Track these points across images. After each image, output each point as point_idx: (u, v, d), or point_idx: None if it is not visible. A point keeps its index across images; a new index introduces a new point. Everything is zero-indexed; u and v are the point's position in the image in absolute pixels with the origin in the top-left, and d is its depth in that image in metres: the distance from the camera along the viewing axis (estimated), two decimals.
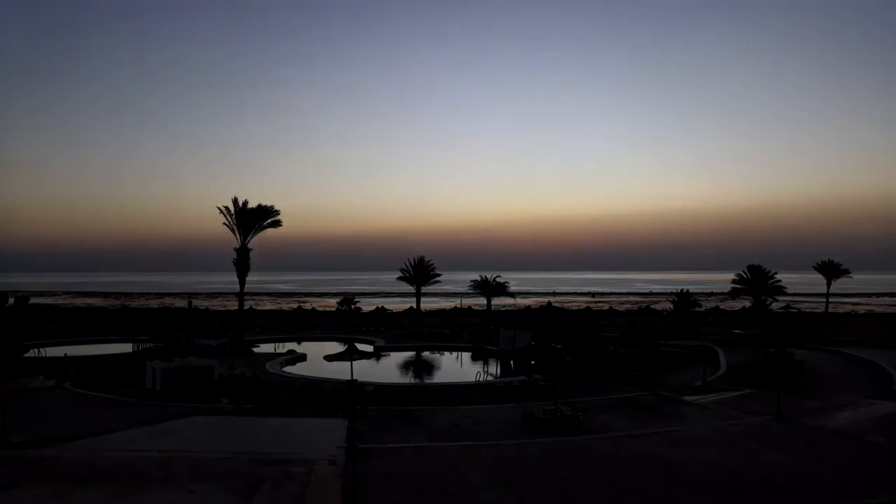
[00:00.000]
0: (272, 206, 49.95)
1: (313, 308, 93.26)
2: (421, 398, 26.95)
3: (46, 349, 42.13)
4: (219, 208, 49.56)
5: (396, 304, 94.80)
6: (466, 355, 45.67)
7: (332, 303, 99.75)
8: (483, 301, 79.35)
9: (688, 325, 61.86)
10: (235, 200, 49.31)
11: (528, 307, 66.34)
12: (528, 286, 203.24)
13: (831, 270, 76.43)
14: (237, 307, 51.82)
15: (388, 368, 40.81)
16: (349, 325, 64.71)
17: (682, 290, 74.06)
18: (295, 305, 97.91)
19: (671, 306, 74.10)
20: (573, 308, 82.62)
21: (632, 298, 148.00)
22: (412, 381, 36.73)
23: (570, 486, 12.81)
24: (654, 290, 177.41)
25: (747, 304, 71.33)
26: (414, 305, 73.25)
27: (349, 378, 24.45)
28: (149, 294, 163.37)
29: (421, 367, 42.67)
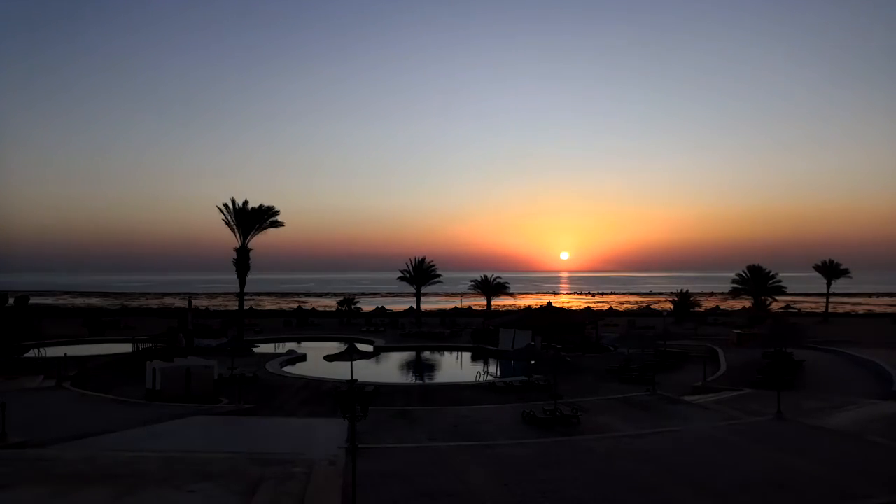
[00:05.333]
0: (272, 207, 50.03)
1: (313, 308, 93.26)
2: (421, 398, 26.96)
3: (46, 349, 42.12)
4: (218, 207, 49.64)
5: (396, 304, 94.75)
6: (466, 355, 45.66)
7: (332, 303, 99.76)
8: (483, 301, 79.46)
9: (688, 325, 61.94)
10: (233, 201, 49.40)
11: (528, 307, 66.34)
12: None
13: (831, 271, 76.44)
14: (237, 307, 51.81)
15: (388, 368, 40.79)
16: (349, 325, 64.74)
17: (681, 290, 74.21)
18: (295, 305, 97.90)
19: (671, 306, 74.23)
20: (573, 308, 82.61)
21: (632, 298, 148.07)
22: (412, 381, 36.72)
23: (570, 485, 12.80)
24: (654, 290, 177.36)
25: (747, 304, 71.39)
26: (414, 305, 73.27)
27: (349, 378, 24.46)
28: (149, 294, 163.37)
29: (421, 367, 42.66)
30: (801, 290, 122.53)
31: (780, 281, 68.39)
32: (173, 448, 15.79)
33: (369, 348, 47.57)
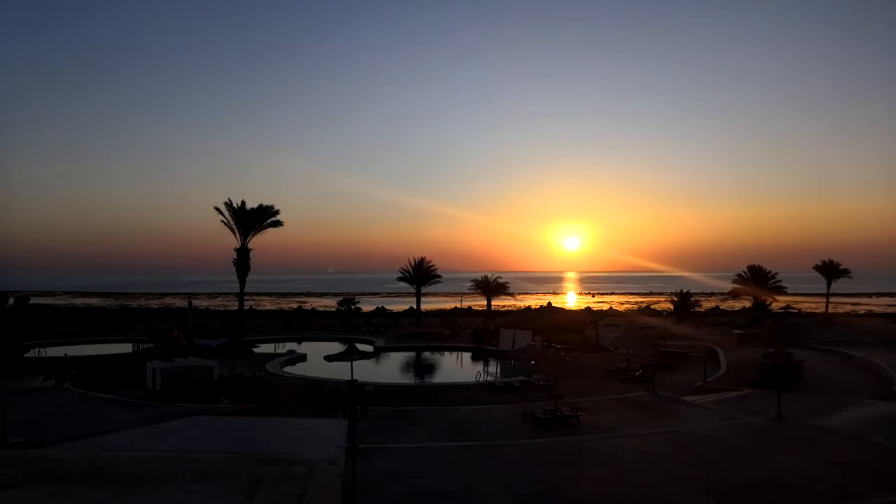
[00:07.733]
0: (272, 206, 50.01)
1: (313, 308, 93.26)
2: (421, 398, 26.98)
3: (46, 349, 42.18)
4: (217, 208, 49.57)
5: (397, 305, 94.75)
6: (466, 355, 45.68)
7: (332, 303, 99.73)
8: (483, 301, 79.42)
9: (688, 325, 61.95)
10: (231, 201, 49.37)
11: (528, 307, 66.35)
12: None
13: (831, 271, 76.38)
14: (237, 307, 51.82)
15: (388, 368, 40.81)
16: (349, 325, 64.75)
17: (681, 290, 74.21)
18: (295, 305, 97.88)
19: (671, 306, 74.24)
20: (573, 308, 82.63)
21: (632, 298, 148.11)
22: (412, 381, 36.73)
23: (570, 486, 12.80)
24: (655, 290, 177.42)
25: (747, 304, 71.41)
26: (414, 306, 73.25)
27: (349, 378, 24.47)
28: (149, 294, 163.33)
29: (421, 367, 42.68)
30: (801, 290, 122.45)
31: (780, 281, 68.37)
32: (173, 448, 15.81)
33: (369, 348, 47.60)
